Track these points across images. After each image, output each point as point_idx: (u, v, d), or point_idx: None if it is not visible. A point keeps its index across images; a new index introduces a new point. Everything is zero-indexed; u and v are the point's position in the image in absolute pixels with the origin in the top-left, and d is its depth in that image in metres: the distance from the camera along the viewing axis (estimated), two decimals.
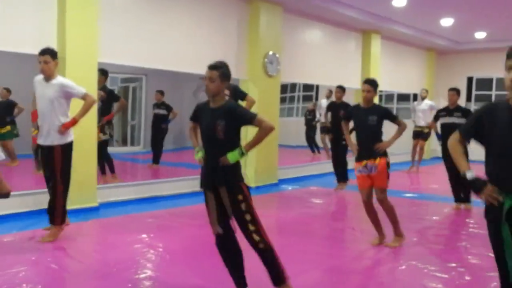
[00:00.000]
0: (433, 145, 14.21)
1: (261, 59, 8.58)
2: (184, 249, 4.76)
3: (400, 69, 13.41)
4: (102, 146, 7.32)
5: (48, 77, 4.63)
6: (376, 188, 5.01)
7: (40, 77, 4.73)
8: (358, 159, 5.09)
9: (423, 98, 11.59)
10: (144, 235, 5.19)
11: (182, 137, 13.88)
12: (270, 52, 8.70)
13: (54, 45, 5.99)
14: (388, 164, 5.02)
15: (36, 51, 5.98)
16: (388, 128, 5.23)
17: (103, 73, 7.19)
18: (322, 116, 12.00)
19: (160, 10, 7.26)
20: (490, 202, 2.39)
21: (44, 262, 4.25)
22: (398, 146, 12.25)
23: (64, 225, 4.93)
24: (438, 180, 9.30)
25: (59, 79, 4.60)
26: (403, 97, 15.46)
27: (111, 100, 7.65)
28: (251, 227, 3.41)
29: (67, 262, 4.33)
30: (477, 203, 6.55)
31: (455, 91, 7.13)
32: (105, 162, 7.58)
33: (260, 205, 7.10)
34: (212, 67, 3.49)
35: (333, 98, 9.98)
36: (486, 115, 2.49)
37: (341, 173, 8.55)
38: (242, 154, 3.46)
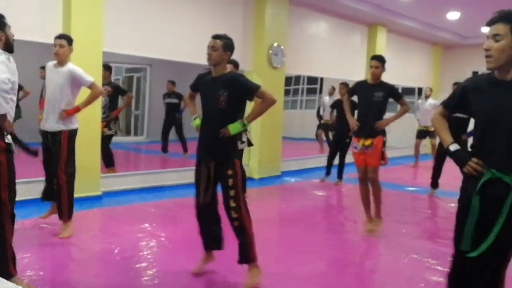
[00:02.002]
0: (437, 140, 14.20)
1: (266, 50, 8.56)
2: (186, 239, 4.77)
3: (406, 63, 13.34)
4: (105, 140, 7.37)
5: (60, 62, 4.60)
6: (368, 166, 5.07)
7: (51, 63, 4.71)
8: (357, 134, 5.13)
9: (427, 97, 11.48)
10: (146, 224, 5.22)
11: (185, 128, 13.88)
12: (275, 44, 8.68)
13: (58, 33, 6.03)
14: (384, 143, 5.10)
15: (41, 39, 6.01)
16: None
17: (106, 68, 7.21)
18: (324, 113, 11.96)
19: (165, 0, 7.25)
20: (471, 173, 2.35)
21: (47, 250, 4.29)
22: (399, 141, 12.36)
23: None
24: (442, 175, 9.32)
25: (69, 66, 4.58)
26: (408, 91, 15.42)
27: (117, 94, 7.69)
28: (232, 204, 3.49)
29: (70, 250, 4.36)
30: None
31: None
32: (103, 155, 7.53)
33: (263, 197, 7.16)
34: (216, 36, 3.56)
35: (336, 95, 9.98)
36: (470, 88, 2.43)
37: (339, 171, 8.49)
38: (244, 125, 3.51)
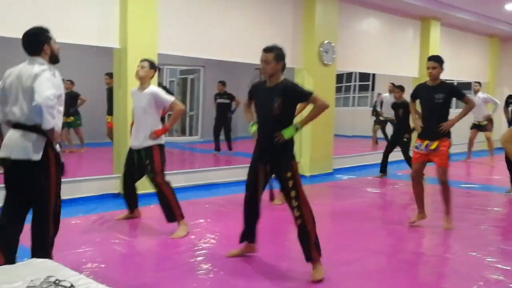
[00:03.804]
0: (495, 136, 13.69)
1: (316, 48, 8.55)
2: (239, 234, 4.85)
3: (461, 57, 12.95)
4: None
5: (141, 84, 4.88)
6: (438, 167, 4.99)
7: (135, 88, 5.01)
8: (421, 137, 5.07)
9: (475, 92, 11.00)
10: (201, 220, 5.35)
11: (235, 128, 14.07)
12: (326, 41, 8.65)
13: (116, 37, 6.28)
14: (450, 145, 4.98)
15: (99, 43, 6.28)
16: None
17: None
18: (383, 109, 11.77)
19: (217, 1, 7.38)
20: None
21: (108, 243, 4.48)
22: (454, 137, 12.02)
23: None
24: (499, 171, 9.01)
25: (151, 88, 4.84)
26: (464, 86, 14.96)
27: None
28: (294, 203, 3.67)
29: (129, 244, 4.55)
30: None
31: None
32: None
33: (315, 194, 7.16)
34: (267, 50, 3.73)
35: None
36: None
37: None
38: (297, 129, 3.72)
